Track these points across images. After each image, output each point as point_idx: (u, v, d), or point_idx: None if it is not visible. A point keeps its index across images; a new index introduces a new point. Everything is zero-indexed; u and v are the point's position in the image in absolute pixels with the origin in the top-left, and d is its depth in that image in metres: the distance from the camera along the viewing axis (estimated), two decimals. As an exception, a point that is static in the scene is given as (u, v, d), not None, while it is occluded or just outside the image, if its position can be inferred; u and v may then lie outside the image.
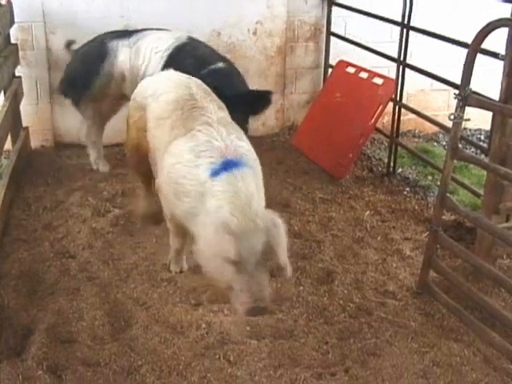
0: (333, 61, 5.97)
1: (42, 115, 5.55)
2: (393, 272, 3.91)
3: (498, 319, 3.29)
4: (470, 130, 6.48)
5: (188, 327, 3.36)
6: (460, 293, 3.56)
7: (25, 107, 5.33)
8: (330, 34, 5.99)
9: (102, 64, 4.81)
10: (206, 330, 3.33)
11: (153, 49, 4.70)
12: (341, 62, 5.76)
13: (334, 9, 5.93)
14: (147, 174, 3.85)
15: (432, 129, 6.20)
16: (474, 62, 3.37)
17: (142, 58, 4.72)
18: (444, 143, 6.11)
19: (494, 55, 3.88)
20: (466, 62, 3.38)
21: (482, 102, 3.41)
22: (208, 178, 3.14)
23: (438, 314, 3.53)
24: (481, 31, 3.32)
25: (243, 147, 3.30)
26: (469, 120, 3.44)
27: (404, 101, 5.63)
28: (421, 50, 5.72)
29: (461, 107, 3.38)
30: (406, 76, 5.15)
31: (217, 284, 3.17)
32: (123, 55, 4.77)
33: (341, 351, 3.22)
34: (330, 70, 6.01)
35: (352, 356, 3.19)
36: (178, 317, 3.44)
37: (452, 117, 3.40)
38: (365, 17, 5.54)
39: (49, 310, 3.43)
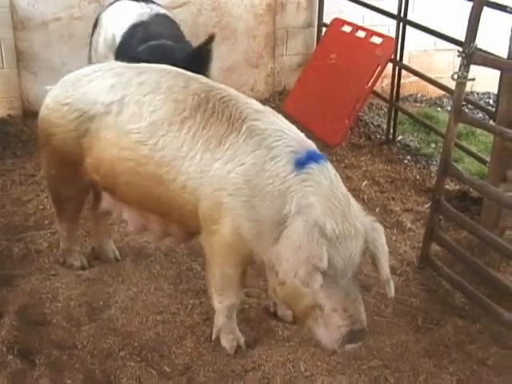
0: (327, 19, 5.97)
1: (8, 81, 5.51)
2: (392, 246, 3.94)
3: (506, 294, 3.34)
4: (478, 93, 6.53)
5: (172, 307, 3.39)
6: (465, 267, 3.62)
7: (-11, 72, 5.31)
8: (323, -12, 5.97)
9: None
10: (191, 310, 3.37)
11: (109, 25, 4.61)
12: (336, 20, 5.76)
13: (328, -39, 5.91)
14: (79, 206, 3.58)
15: (436, 92, 6.24)
16: (479, 16, 3.38)
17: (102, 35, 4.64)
18: (449, 108, 6.12)
19: (502, 8, 3.89)
20: (470, 15, 3.39)
21: (489, 60, 3.43)
22: (292, 171, 2.77)
23: (441, 290, 3.60)
24: (487, -19, 3.34)
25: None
26: (473, 80, 3.45)
27: (405, 62, 5.67)
28: (424, 6, 5.73)
29: (465, 66, 3.39)
30: (407, 35, 5.16)
31: (296, 307, 2.82)
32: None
33: (336, 330, 3.26)
34: (324, 30, 6.01)
35: (349, 335, 3.23)
36: (161, 296, 3.47)
37: (455, 76, 3.42)
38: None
39: (19, 290, 3.44)
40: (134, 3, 4.61)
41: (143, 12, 4.48)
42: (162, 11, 4.60)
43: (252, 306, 3.43)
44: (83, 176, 3.29)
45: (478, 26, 3.38)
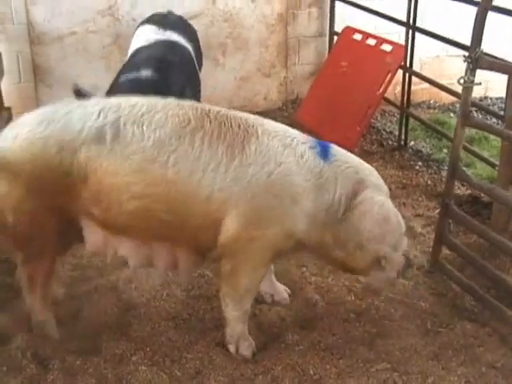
0: (338, 28, 6.02)
1: (25, 94, 5.61)
2: (403, 251, 3.98)
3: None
4: (492, 98, 6.53)
5: (184, 313, 3.45)
6: (474, 270, 3.62)
7: (7, 86, 5.36)
8: (334, -3, 6.02)
9: None
10: (203, 316, 3.43)
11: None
12: (347, 28, 5.81)
13: (339, -30, 5.97)
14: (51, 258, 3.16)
15: (448, 99, 6.25)
16: (484, 21, 3.41)
17: None
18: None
19: (508, 12, 3.91)
20: (475, 20, 3.42)
21: (495, 64, 3.46)
22: (324, 163, 2.98)
23: (451, 293, 3.62)
24: (491, -14, 3.37)
25: None
26: (479, 84, 3.47)
27: (417, 68, 5.73)
28: (435, 13, 5.76)
29: (471, 70, 3.42)
30: (419, 42, 5.19)
31: (363, 265, 3.09)
32: None
33: (346, 333, 3.31)
34: (335, 38, 6.05)
35: (358, 338, 3.27)
36: (174, 303, 3.53)
37: (462, 81, 3.45)
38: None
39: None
40: (154, 28, 4.56)
41: (150, 37, 4.44)
42: (174, 38, 4.45)
43: (263, 311, 3.47)
44: (65, 215, 2.98)
45: (483, 30, 3.41)
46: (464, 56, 3.44)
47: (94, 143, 2.84)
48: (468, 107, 3.55)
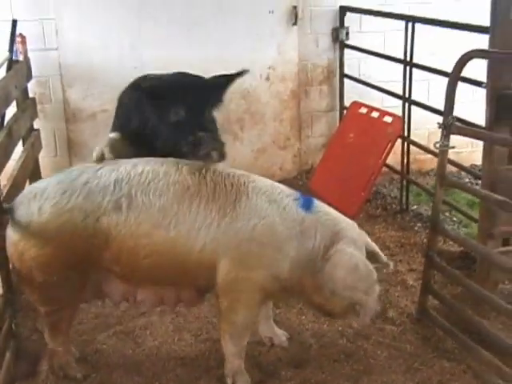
0: (348, 102, 6.56)
1: (61, 167, 6.15)
2: (394, 301, 4.42)
3: (492, 340, 3.70)
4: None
5: (191, 354, 3.92)
6: (456, 317, 4.02)
7: (43, 159, 5.98)
8: (343, 76, 6.64)
9: None
10: (208, 356, 3.89)
11: None
12: (354, 103, 6.34)
13: (347, 51, 6.59)
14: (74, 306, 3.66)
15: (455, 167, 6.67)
16: (455, 91, 3.91)
17: None
18: (467, 180, 6.56)
19: (478, 84, 4.44)
20: (447, 91, 3.92)
21: (465, 130, 3.96)
22: (305, 213, 3.43)
23: (434, 338, 4.01)
24: (458, 61, 3.88)
25: None
26: (453, 148, 3.96)
27: (425, 139, 6.19)
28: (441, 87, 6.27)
29: (445, 136, 3.92)
30: (426, 114, 5.64)
31: (340, 310, 3.52)
32: None
33: (335, 371, 3.73)
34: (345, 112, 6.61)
35: (345, 375, 3.69)
36: (183, 346, 4.01)
37: (437, 145, 3.95)
38: (378, 57, 6.17)
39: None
40: None
41: None
42: None
43: (262, 352, 3.91)
44: (89, 268, 3.42)
45: (454, 99, 3.90)
46: (438, 123, 3.94)
47: (113, 213, 3.32)
48: (444, 169, 4.02)
